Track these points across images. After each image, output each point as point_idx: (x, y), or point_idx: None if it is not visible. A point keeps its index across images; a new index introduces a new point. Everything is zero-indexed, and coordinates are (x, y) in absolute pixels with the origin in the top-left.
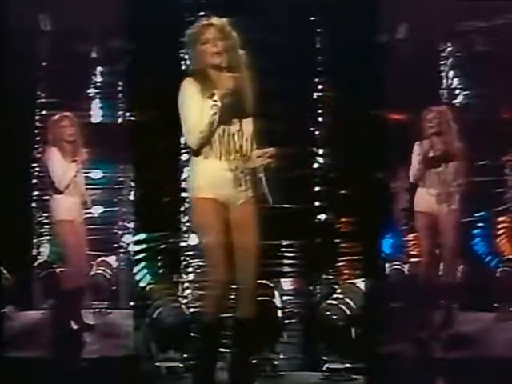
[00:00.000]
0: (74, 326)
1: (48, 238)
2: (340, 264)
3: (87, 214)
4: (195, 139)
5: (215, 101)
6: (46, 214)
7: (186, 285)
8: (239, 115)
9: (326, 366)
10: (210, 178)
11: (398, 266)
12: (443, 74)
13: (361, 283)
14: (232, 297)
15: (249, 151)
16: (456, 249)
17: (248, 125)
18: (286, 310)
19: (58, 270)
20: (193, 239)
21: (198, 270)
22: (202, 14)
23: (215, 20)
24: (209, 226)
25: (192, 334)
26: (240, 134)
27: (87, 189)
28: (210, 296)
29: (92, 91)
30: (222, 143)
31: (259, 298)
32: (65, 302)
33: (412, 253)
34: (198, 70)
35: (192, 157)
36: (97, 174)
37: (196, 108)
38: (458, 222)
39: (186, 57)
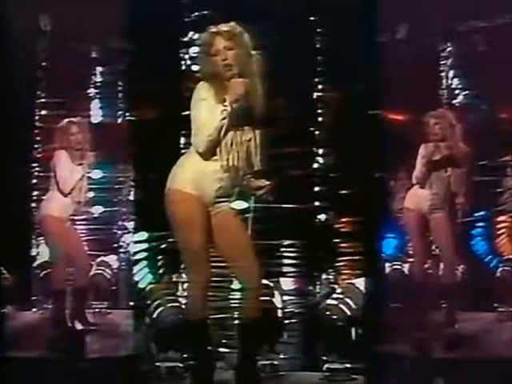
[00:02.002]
0: (79, 326)
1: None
2: (340, 264)
3: (86, 213)
4: (203, 143)
5: (225, 106)
6: None
7: (186, 285)
8: (250, 122)
9: (326, 366)
10: (199, 176)
11: (398, 266)
12: (443, 74)
13: (361, 283)
14: (235, 297)
15: (255, 162)
16: (453, 251)
17: (259, 135)
18: (286, 310)
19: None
20: None
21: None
22: (204, 13)
23: (224, 27)
24: (190, 224)
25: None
26: (250, 144)
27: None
28: (191, 296)
29: (92, 91)
30: (229, 151)
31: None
32: (61, 301)
33: (412, 253)
34: (210, 75)
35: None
36: (97, 174)
37: (206, 112)
38: (451, 226)
39: (196, 63)
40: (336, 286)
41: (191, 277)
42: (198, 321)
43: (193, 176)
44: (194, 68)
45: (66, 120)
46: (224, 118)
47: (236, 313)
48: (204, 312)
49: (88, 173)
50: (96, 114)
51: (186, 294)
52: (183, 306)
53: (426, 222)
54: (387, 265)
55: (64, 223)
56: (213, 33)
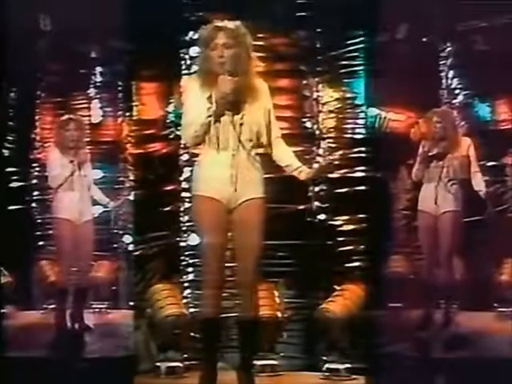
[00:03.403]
0: (76, 327)
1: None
2: (340, 264)
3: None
4: (189, 137)
5: (211, 103)
6: (46, 215)
7: (185, 285)
8: (236, 114)
9: (326, 366)
10: (208, 176)
11: (398, 266)
12: (443, 74)
13: (361, 283)
14: (235, 297)
15: (265, 140)
16: (453, 249)
17: (255, 115)
18: (286, 310)
19: (57, 270)
20: (193, 239)
21: (198, 270)
22: (204, 13)
23: (228, 24)
24: (203, 226)
25: (192, 334)
26: (242, 128)
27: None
28: (204, 295)
29: (92, 91)
30: (219, 138)
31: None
32: (63, 301)
33: (412, 253)
34: (203, 71)
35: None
36: (97, 173)
37: (193, 107)
38: (455, 222)
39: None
40: (336, 287)
41: (206, 276)
42: (211, 320)
43: (205, 178)
44: (194, 68)
45: (65, 116)
46: (210, 116)
47: (236, 313)
48: (217, 312)
49: (79, 169)
50: (96, 114)
51: (186, 293)
52: (183, 306)
53: (436, 222)
54: (387, 265)
55: (74, 225)
56: (216, 27)
